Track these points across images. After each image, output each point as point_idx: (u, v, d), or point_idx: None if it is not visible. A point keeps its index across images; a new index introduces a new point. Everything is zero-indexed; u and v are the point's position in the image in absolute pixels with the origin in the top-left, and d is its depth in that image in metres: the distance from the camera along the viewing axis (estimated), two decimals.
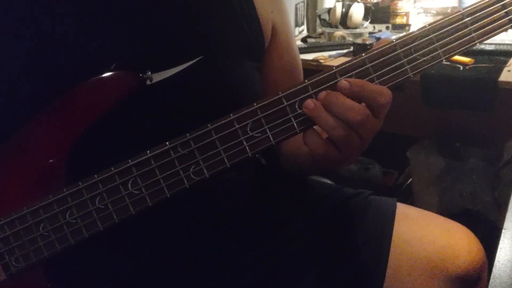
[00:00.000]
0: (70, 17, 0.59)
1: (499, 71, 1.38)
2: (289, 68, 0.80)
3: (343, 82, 0.52)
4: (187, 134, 0.54)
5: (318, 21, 2.08)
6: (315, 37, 2.07)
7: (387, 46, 0.53)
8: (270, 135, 0.54)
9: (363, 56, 0.53)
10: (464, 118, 1.69)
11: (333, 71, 0.53)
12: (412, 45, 0.53)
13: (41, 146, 0.58)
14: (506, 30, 0.52)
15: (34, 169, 0.58)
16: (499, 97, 1.34)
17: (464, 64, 1.45)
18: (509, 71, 1.39)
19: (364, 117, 0.51)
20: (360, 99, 0.52)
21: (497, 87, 1.33)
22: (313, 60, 1.68)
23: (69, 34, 0.59)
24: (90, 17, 0.60)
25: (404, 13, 1.94)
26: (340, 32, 1.93)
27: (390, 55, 0.53)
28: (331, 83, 0.53)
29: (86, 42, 0.59)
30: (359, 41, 1.77)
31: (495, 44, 1.58)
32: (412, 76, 0.54)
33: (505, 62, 1.44)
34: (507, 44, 1.57)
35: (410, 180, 1.77)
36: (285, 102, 0.53)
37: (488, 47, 1.56)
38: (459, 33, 0.52)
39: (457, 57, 1.48)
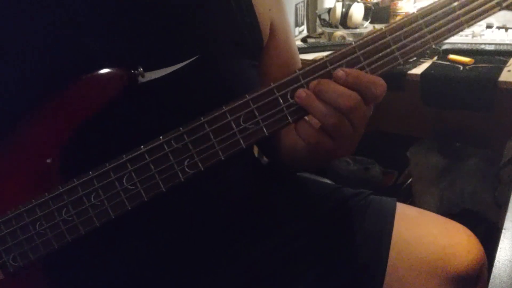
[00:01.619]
0: (63, 16, 0.59)
1: (499, 71, 1.38)
2: (288, 64, 0.80)
3: (340, 71, 0.52)
4: (180, 128, 0.54)
5: (318, 21, 2.08)
6: (315, 37, 2.07)
7: (377, 34, 0.53)
8: (263, 126, 0.54)
9: (353, 44, 0.53)
10: (464, 118, 1.69)
11: (323, 60, 0.53)
12: (401, 31, 0.53)
13: (34, 144, 0.58)
14: (493, 13, 0.52)
15: (28, 167, 0.58)
16: (499, 97, 1.34)
17: (464, 64, 1.45)
18: (509, 71, 1.39)
19: (355, 103, 0.51)
20: (355, 89, 0.52)
21: (497, 87, 1.33)
22: (313, 60, 1.68)
23: (62, 33, 0.59)
24: (84, 16, 0.59)
25: (404, 13, 1.94)
26: (340, 32, 1.93)
27: (380, 42, 0.53)
28: (322, 72, 0.53)
29: (80, 40, 0.59)
30: None
31: (495, 44, 1.58)
32: (402, 62, 0.54)
33: (505, 62, 1.44)
34: (507, 44, 1.57)
35: (410, 180, 1.77)
36: (276, 93, 0.53)
37: (488, 47, 1.56)
38: (448, 17, 0.52)
39: (457, 57, 1.49)
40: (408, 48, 0.53)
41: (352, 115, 0.52)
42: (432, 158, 1.64)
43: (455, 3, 0.52)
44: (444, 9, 0.52)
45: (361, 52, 0.53)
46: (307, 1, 2.22)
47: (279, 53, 0.78)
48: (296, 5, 2.11)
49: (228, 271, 0.72)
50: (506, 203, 0.61)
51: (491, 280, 0.48)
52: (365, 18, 1.97)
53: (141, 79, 0.58)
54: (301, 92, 0.52)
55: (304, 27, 2.24)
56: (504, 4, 0.52)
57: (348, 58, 0.53)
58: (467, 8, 0.52)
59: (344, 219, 0.77)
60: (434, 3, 0.53)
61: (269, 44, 0.75)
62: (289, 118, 0.54)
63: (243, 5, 0.70)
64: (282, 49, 0.78)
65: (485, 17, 0.53)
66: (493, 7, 0.52)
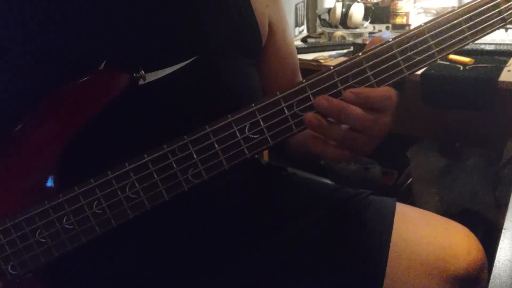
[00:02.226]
0: (63, 16, 0.59)
1: (499, 71, 1.38)
2: (287, 61, 0.80)
3: (348, 93, 0.52)
4: (185, 137, 0.54)
5: (318, 21, 2.09)
6: (315, 37, 2.08)
7: (384, 46, 0.53)
8: (268, 136, 0.54)
9: (360, 55, 0.53)
10: (464, 118, 1.69)
11: (330, 71, 0.53)
12: (407, 44, 0.53)
13: (32, 149, 0.57)
14: (498, 29, 0.53)
15: (26, 173, 0.57)
16: (499, 97, 1.34)
17: (464, 64, 1.45)
18: (509, 71, 1.39)
19: (371, 122, 0.52)
20: (368, 108, 0.52)
21: (497, 87, 1.33)
22: (313, 60, 1.68)
23: (61, 34, 0.58)
24: (82, 16, 0.59)
25: (404, 13, 1.94)
26: (340, 32, 1.93)
27: (387, 55, 0.53)
28: (328, 83, 0.53)
29: (79, 41, 0.58)
30: (359, 41, 1.77)
31: (495, 44, 1.58)
32: (408, 75, 0.54)
33: (505, 62, 1.44)
34: (507, 44, 1.57)
35: (410, 180, 1.77)
36: (283, 103, 0.53)
37: (488, 47, 1.56)
38: (453, 32, 0.52)
39: (457, 57, 1.48)
40: (413, 61, 0.53)
41: (371, 131, 0.52)
42: (432, 158, 1.64)
43: (461, 18, 0.52)
44: (450, 24, 0.52)
45: (368, 64, 0.53)
46: (307, 1, 2.23)
47: (277, 50, 0.78)
48: (296, 5, 2.12)
49: (229, 272, 0.72)
50: (506, 203, 0.61)
51: (491, 280, 0.48)
52: (365, 18, 1.97)
53: (141, 81, 0.58)
54: (312, 120, 0.52)
55: (304, 27, 2.24)
56: (509, 20, 0.52)
57: (355, 70, 0.53)
58: (472, 23, 0.52)
59: (344, 219, 0.77)
60: (440, 17, 0.53)
61: (268, 41, 0.75)
62: (294, 128, 0.54)
63: (241, 4, 0.69)
64: (281, 45, 0.78)
65: (490, 32, 0.53)
66: (498, 23, 0.52)
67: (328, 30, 1.99)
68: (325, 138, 0.53)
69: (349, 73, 0.53)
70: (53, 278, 0.60)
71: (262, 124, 0.54)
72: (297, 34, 2.15)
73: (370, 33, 1.93)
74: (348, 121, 0.52)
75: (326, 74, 0.53)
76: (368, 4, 2.00)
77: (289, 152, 0.83)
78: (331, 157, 0.54)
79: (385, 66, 0.53)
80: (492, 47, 1.56)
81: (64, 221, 0.55)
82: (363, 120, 0.51)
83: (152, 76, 0.59)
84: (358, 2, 1.95)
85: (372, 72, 0.53)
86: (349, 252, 0.74)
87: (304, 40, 2.01)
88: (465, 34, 0.52)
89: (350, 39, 1.89)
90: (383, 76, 0.53)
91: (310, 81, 0.53)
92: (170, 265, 0.68)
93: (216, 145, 0.54)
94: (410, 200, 1.69)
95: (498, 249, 0.52)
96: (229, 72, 0.67)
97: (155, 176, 0.54)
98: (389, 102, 0.52)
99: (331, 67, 0.53)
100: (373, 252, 0.73)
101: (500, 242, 0.53)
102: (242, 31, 0.69)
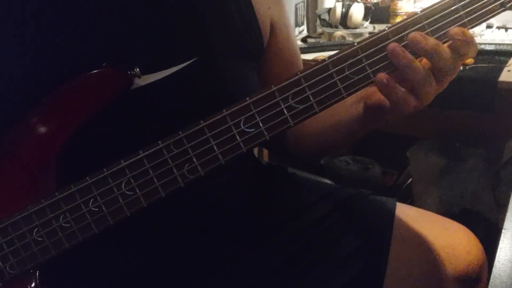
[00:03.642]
0: (61, 17, 0.59)
1: (499, 71, 1.38)
2: (290, 62, 0.80)
3: (415, 34, 0.51)
4: (180, 132, 0.54)
5: (318, 21, 2.08)
6: (315, 37, 2.07)
7: (380, 35, 0.52)
8: (263, 130, 0.54)
9: (355, 45, 0.53)
10: (464, 118, 1.69)
11: (325, 62, 0.53)
12: (404, 33, 0.52)
13: (30, 147, 0.57)
14: (497, 14, 0.52)
15: (24, 171, 0.57)
16: (499, 97, 1.34)
17: (464, 64, 1.45)
18: (509, 71, 1.38)
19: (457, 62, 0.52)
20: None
21: (497, 87, 1.33)
22: (313, 60, 1.68)
23: (58, 34, 0.58)
24: (81, 16, 0.59)
25: (404, 13, 1.94)
26: (340, 32, 1.93)
27: (383, 44, 0.52)
28: (324, 74, 0.53)
29: (76, 42, 0.58)
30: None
31: (495, 44, 1.58)
32: None
33: (505, 62, 1.44)
34: (507, 44, 1.57)
35: (410, 180, 1.77)
36: (278, 96, 0.53)
37: (488, 47, 1.56)
38: (451, 19, 0.52)
39: None
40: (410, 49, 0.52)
41: (452, 73, 0.54)
42: (432, 158, 1.64)
43: (458, 4, 0.52)
44: (447, 10, 0.52)
45: (364, 54, 0.52)
46: (307, 1, 2.22)
47: (281, 51, 0.77)
48: (296, 5, 2.11)
49: (229, 271, 0.72)
50: (506, 203, 0.61)
51: (491, 280, 0.48)
52: (365, 18, 1.97)
53: (139, 82, 0.58)
54: (396, 47, 0.51)
55: (304, 27, 2.24)
56: (508, 5, 0.51)
57: (351, 61, 0.52)
58: (470, 8, 0.52)
59: (344, 219, 0.77)
60: (437, 4, 0.52)
61: (270, 42, 0.75)
62: (290, 121, 0.53)
63: (242, 5, 0.69)
64: (284, 47, 0.78)
65: (489, 18, 0.52)
66: (496, 8, 0.52)
67: (328, 30, 1.98)
68: (402, 76, 0.52)
69: (344, 64, 0.52)
70: (51, 279, 0.60)
71: (257, 117, 0.53)
72: (297, 34, 2.14)
73: (370, 33, 1.93)
74: (439, 58, 0.51)
75: (321, 65, 0.53)
76: (368, 4, 2.00)
77: (297, 147, 0.81)
78: (396, 100, 0.53)
79: (381, 55, 0.52)
80: (492, 47, 1.55)
81: (61, 219, 0.55)
82: (452, 60, 0.51)
83: (151, 78, 0.59)
84: (358, 2, 1.95)
85: (368, 61, 0.52)
86: (349, 252, 0.74)
87: (304, 40, 2.01)
88: (463, 21, 0.52)
89: (350, 39, 1.89)
90: (380, 66, 0.53)
91: (305, 73, 0.53)
92: (170, 265, 0.68)
93: (211, 140, 0.54)
94: (410, 200, 1.69)
95: (498, 249, 0.52)
96: (228, 74, 0.67)
97: (151, 172, 0.54)
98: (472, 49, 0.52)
99: (326, 58, 0.53)
100: (373, 252, 0.73)
101: (500, 242, 0.53)
102: (243, 33, 0.69)
